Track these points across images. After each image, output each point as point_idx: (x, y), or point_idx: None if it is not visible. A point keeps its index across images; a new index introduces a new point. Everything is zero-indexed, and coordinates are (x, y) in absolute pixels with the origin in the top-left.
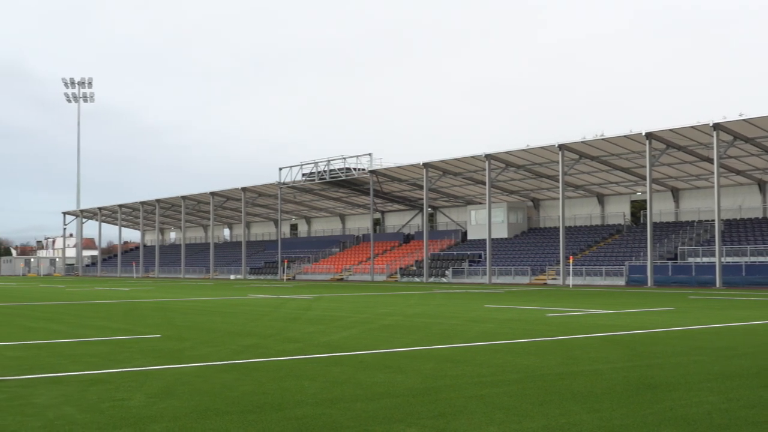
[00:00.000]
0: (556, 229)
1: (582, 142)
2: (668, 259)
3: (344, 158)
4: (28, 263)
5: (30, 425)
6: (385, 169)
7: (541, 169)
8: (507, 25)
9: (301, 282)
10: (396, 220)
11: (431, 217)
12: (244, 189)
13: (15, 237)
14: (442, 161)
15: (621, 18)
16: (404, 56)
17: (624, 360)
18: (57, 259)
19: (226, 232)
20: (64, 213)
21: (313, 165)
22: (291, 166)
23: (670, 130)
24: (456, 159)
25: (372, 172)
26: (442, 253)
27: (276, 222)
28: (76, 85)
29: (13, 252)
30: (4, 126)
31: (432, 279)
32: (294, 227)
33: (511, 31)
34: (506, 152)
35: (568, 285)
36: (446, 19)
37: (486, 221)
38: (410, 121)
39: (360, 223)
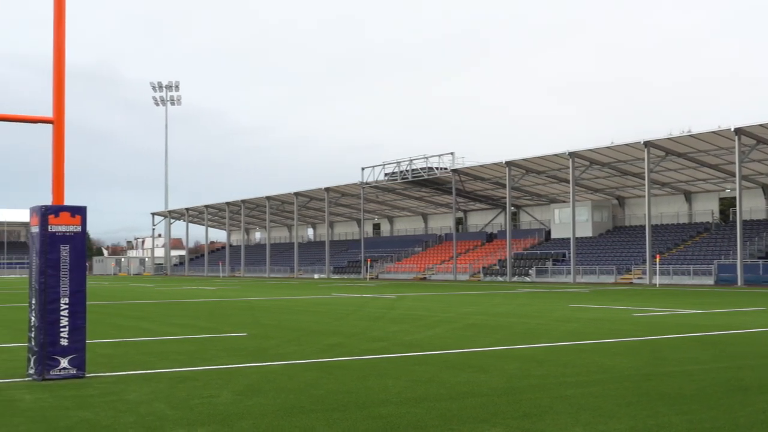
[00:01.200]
0: (642, 227)
1: (668, 138)
2: (759, 257)
3: (426, 157)
4: (118, 263)
5: (123, 420)
6: (467, 168)
7: (626, 166)
8: (588, 20)
9: (384, 281)
10: (479, 219)
11: (514, 216)
12: (327, 189)
13: (106, 237)
14: (524, 159)
15: (706, 10)
16: (485, 54)
17: (713, 361)
18: (146, 259)
19: (310, 231)
20: (153, 214)
21: (395, 165)
22: (373, 166)
23: (760, 125)
24: (539, 157)
25: (454, 171)
26: (525, 252)
27: (359, 222)
28: (164, 88)
29: (105, 252)
30: (96, 129)
31: (515, 278)
32: (377, 227)
33: (592, 27)
34: (590, 150)
35: (655, 284)
36: (527, 16)
37: (570, 220)
38: (492, 120)
39: (442, 223)
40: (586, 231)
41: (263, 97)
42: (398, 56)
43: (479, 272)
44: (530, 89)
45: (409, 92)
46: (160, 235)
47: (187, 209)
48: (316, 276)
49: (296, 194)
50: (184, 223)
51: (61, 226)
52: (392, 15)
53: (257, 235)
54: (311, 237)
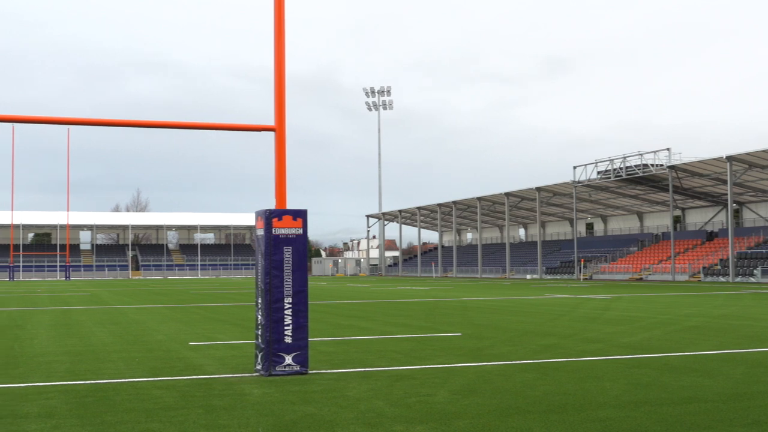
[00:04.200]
0: None
1: None
2: None
3: (641, 154)
4: (336, 264)
5: (344, 416)
6: (684, 164)
7: None
8: None
9: (597, 282)
10: (697, 217)
11: (736, 213)
12: (538, 189)
13: (324, 239)
14: (747, 153)
15: None
16: (700, 46)
17: None
18: (362, 260)
19: (522, 231)
20: (368, 216)
21: (608, 162)
22: (585, 164)
23: None
24: (763, 151)
25: (671, 167)
26: (749, 251)
27: (571, 221)
28: (376, 93)
29: (323, 253)
30: (317, 135)
31: (738, 278)
32: (590, 226)
33: None
34: None
35: None
36: (731, 8)
37: None
38: (710, 113)
39: (659, 221)
40: None
41: (473, 99)
42: (609, 52)
43: (699, 272)
44: (749, 79)
45: (621, 88)
46: (374, 237)
47: (400, 211)
48: (528, 276)
49: (507, 194)
50: (398, 225)
51: (284, 228)
52: (601, 10)
53: (468, 236)
54: (523, 237)
